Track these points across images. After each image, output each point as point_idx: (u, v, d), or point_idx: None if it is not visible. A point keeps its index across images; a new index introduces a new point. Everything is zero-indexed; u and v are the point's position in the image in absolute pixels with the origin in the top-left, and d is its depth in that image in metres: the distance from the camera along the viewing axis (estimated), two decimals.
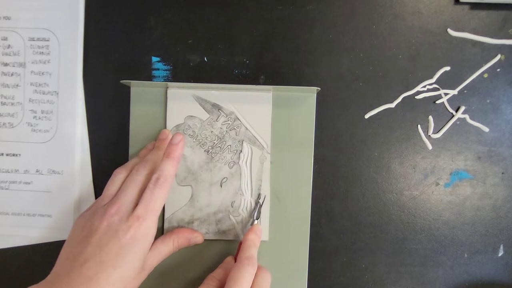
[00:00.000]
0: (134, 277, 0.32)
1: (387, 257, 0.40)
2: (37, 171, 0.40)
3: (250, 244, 0.34)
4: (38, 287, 0.30)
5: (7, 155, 0.40)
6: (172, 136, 0.35)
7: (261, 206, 0.38)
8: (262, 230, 0.37)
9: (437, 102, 0.39)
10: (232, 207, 0.39)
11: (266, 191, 0.39)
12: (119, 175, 0.35)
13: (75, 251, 0.31)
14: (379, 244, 0.40)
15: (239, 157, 0.39)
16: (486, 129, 0.39)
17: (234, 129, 0.39)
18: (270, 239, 0.39)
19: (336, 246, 0.40)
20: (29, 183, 0.40)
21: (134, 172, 0.35)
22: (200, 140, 0.39)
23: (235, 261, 0.34)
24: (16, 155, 0.40)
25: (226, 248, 0.39)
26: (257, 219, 0.38)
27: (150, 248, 0.34)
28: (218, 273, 0.34)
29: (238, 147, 0.39)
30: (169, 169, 0.34)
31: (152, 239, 0.33)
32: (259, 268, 0.33)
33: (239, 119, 0.38)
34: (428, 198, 0.40)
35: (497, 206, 0.40)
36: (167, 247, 0.36)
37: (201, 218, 0.39)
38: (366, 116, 0.39)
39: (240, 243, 0.36)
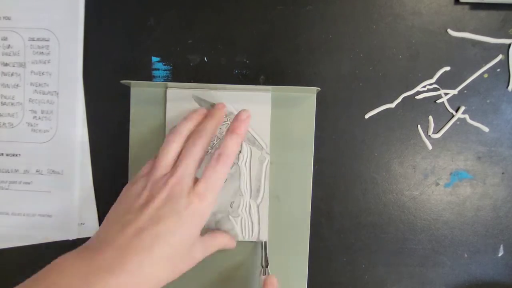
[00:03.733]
0: (182, 258, 0.31)
1: (387, 257, 0.40)
2: (37, 171, 0.40)
3: None
4: (80, 254, 0.29)
5: (7, 155, 0.40)
6: (239, 112, 0.35)
7: (266, 253, 0.37)
8: (277, 281, 0.35)
9: (437, 101, 0.39)
10: (231, 207, 0.39)
11: (265, 191, 0.38)
12: (173, 144, 0.33)
13: (128, 218, 0.30)
14: (379, 244, 0.40)
15: (238, 158, 0.39)
16: (486, 129, 0.39)
17: None
18: (270, 239, 0.39)
19: (336, 246, 0.40)
20: (29, 183, 0.40)
21: (191, 144, 0.33)
22: None
23: None
24: (16, 155, 0.40)
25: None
26: (266, 267, 0.37)
27: (201, 239, 0.33)
28: None
29: None
30: (233, 146, 0.33)
31: (207, 219, 0.32)
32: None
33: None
34: (428, 198, 0.40)
35: (497, 206, 0.40)
36: (215, 244, 0.35)
37: None
38: (366, 116, 0.39)
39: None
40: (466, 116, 0.39)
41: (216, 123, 0.35)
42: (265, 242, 0.38)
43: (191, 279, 0.39)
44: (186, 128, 0.35)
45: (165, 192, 0.31)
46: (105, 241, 0.29)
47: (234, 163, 0.38)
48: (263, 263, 0.37)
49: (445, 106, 0.39)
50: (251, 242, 0.39)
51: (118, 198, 0.33)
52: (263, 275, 0.36)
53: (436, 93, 0.39)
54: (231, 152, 0.33)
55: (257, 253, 0.39)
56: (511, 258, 0.40)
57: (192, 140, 0.33)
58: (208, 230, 0.38)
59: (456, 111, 0.39)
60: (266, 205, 0.39)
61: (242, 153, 0.38)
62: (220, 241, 0.36)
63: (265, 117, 0.38)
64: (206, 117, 0.36)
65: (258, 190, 0.38)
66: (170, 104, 0.39)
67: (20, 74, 0.40)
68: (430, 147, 0.39)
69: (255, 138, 0.38)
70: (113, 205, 0.33)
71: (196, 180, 0.32)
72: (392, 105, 0.39)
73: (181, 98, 0.39)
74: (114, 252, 0.28)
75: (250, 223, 0.39)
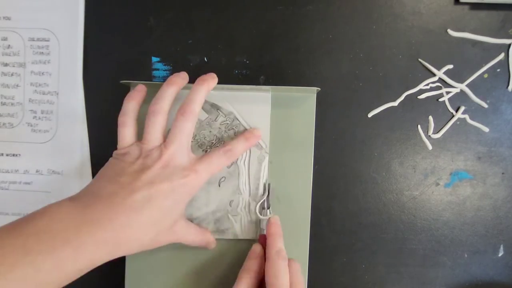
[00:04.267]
0: (166, 228, 0.32)
1: (387, 257, 0.40)
2: (37, 171, 0.40)
3: (276, 237, 0.35)
4: (73, 204, 0.30)
5: (7, 155, 0.40)
6: (256, 129, 0.38)
7: (269, 194, 0.38)
8: (279, 218, 0.37)
9: (439, 100, 0.39)
10: (231, 206, 0.39)
11: (264, 190, 0.39)
12: (159, 116, 0.33)
13: (122, 179, 0.31)
14: (379, 244, 0.40)
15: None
16: (486, 129, 0.39)
17: (233, 129, 0.38)
18: None
19: (336, 246, 0.40)
20: (29, 183, 0.40)
21: (180, 117, 0.33)
22: (199, 140, 0.39)
23: (263, 250, 0.35)
24: (16, 155, 0.40)
25: (224, 247, 0.39)
26: (268, 208, 0.38)
27: (186, 222, 0.35)
28: (251, 264, 0.34)
29: None
30: (242, 148, 0.36)
31: (194, 195, 0.34)
32: (289, 260, 0.34)
33: (237, 119, 0.38)
34: (428, 198, 0.40)
35: (497, 206, 0.40)
36: (196, 234, 0.36)
37: (199, 217, 0.39)
38: (369, 115, 0.39)
39: (261, 236, 0.37)
40: (466, 116, 0.39)
41: (207, 89, 0.34)
42: (269, 184, 0.38)
43: (189, 277, 0.39)
44: (170, 95, 0.34)
45: (160, 162, 0.32)
46: (98, 196, 0.30)
47: (232, 162, 0.39)
48: (265, 205, 0.38)
49: (446, 106, 0.39)
50: (250, 240, 0.39)
51: (109, 162, 0.34)
52: (262, 216, 0.38)
53: (439, 92, 0.39)
54: (238, 153, 0.36)
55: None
56: (511, 258, 0.40)
57: (181, 114, 0.33)
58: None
59: (456, 111, 0.39)
60: (266, 204, 0.39)
61: None
62: (202, 236, 0.36)
63: (265, 117, 0.38)
64: (196, 84, 0.35)
65: (257, 189, 0.38)
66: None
67: (20, 74, 0.40)
68: (430, 147, 0.39)
69: None
70: (104, 167, 0.33)
71: (192, 157, 0.34)
72: (395, 103, 0.39)
73: (181, 98, 0.39)
74: (106, 207, 0.29)
75: (249, 221, 0.39)
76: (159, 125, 0.33)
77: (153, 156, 0.32)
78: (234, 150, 0.35)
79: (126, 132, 0.34)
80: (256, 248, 0.36)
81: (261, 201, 0.38)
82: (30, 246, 0.27)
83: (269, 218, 0.37)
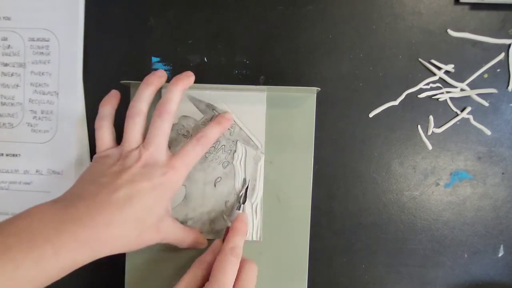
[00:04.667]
0: (150, 227, 0.32)
1: (387, 257, 0.40)
2: (37, 171, 0.40)
3: (236, 233, 0.34)
4: (54, 205, 0.30)
5: (7, 155, 0.40)
6: (225, 112, 0.38)
7: (247, 190, 0.38)
8: (248, 218, 0.37)
9: (440, 100, 0.39)
10: (226, 206, 0.39)
11: (260, 190, 0.38)
12: (137, 118, 0.34)
13: (103, 180, 0.31)
14: (379, 244, 0.40)
15: (233, 157, 0.39)
16: (488, 132, 0.39)
17: (228, 129, 0.38)
18: (271, 239, 0.39)
19: (336, 246, 0.40)
20: (29, 183, 0.40)
21: (157, 118, 0.34)
22: None
23: None
24: (16, 155, 0.40)
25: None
26: (243, 203, 0.38)
27: (173, 220, 0.35)
28: (207, 256, 0.34)
29: (232, 147, 0.39)
30: (215, 133, 0.36)
31: (176, 192, 0.34)
32: (244, 260, 0.33)
33: (233, 119, 0.38)
34: (428, 199, 0.40)
35: (497, 206, 0.40)
36: (183, 234, 0.36)
37: (194, 217, 0.39)
38: (371, 115, 0.39)
39: (227, 229, 0.36)
40: (470, 117, 0.39)
41: (182, 88, 0.35)
42: (249, 180, 0.38)
43: (183, 274, 0.39)
44: (147, 96, 0.35)
45: (140, 162, 0.32)
46: (80, 196, 0.31)
47: (228, 162, 0.39)
48: (241, 200, 0.38)
49: (446, 106, 0.39)
50: (246, 241, 0.39)
51: (90, 166, 0.34)
52: (237, 209, 0.37)
53: (439, 92, 0.39)
54: (212, 138, 0.35)
55: (251, 253, 0.39)
56: (511, 259, 0.40)
57: (159, 115, 0.34)
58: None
59: (462, 111, 0.39)
60: (266, 205, 0.39)
61: (237, 152, 0.38)
62: (189, 235, 0.36)
63: (260, 117, 0.38)
64: (171, 84, 0.35)
65: (253, 189, 0.38)
66: None
67: (20, 74, 0.40)
68: (430, 147, 0.39)
69: (250, 138, 0.38)
70: (85, 170, 0.34)
71: (169, 155, 0.34)
72: (396, 103, 0.39)
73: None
74: (88, 207, 0.30)
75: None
76: (138, 126, 0.34)
77: (132, 157, 0.33)
78: (207, 136, 0.35)
79: (104, 136, 0.35)
80: (218, 242, 0.35)
81: (240, 194, 0.38)
82: (10, 244, 0.27)
83: (238, 214, 0.37)
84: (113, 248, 0.31)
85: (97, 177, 0.32)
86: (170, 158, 0.34)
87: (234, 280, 0.32)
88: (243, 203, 0.38)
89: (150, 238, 0.33)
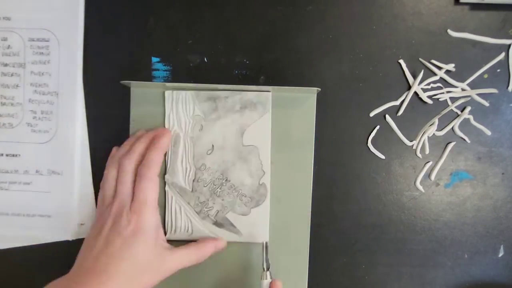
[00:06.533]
0: (143, 272, 0.33)
1: (387, 257, 0.40)
2: (37, 171, 0.40)
3: None
4: (67, 279, 0.32)
5: (7, 155, 0.40)
6: (158, 129, 0.38)
7: (267, 253, 0.36)
8: (281, 284, 0.35)
9: (440, 99, 0.39)
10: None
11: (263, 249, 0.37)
12: (110, 174, 0.36)
13: (91, 243, 0.34)
14: (379, 244, 0.40)
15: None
16: (488, 132, 0.39)
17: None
18: (270, 239, 0.39)
19: (336, 247, 0.40)
20: (28, 184, 0.40)
21: (121, 170, 0.36)
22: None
23: None
24: (16, 155, 0.40)
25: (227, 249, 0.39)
26: (268, 270, 0.36)
27: (172, 252, 0.35)
28: None
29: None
30: (153, 157, 0.36)
31: (154, 229, 0.35)
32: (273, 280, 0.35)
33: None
34: (428, 199, 0.40)
35: (497, 206, 0.40)
36: (190, 257, 0.36)
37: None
38: (371, 114, 0.39)
39: None
40: (471, 117, 0.39)
41: (143, 142, 0.37)
42: (266, 243, 0.37)
43: (190, 280, 0.39)
44: (119, 154, 0.37)
45: (110, 219, 0.34)
46: (80, 268, 0.33)
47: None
48: (264, 266, 0.36)
49: (447, 106, 0.39)
50: (251, 243, 0.39)
51: (94, 221, 0.37)
52: (264, 279, 0.35)
53: (439, 92, 0.39)
54: (151, 163, 0.36)
55: (257, 254, 0.39)
56: (511, 259, 0.40)
57: (121, 167, 0.36)
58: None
59: (462, 111, 0.39)
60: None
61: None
62: (198, 251, 0.36)
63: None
64: (149, 149, 0.37)
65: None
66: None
67: (20, 75, 0.40)
68: (430, 147, 0.39)
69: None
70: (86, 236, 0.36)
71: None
72: (397, 103, 0.39)
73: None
74: (81, 279, 0.32)
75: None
76: (111, 180, 0.36)
77: (105, 214, 0.35)
78: (145, 163, 0.36)
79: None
80: None
81: (264, 259, 0.36)
82: None
83: (272, 282, 0.35)
84: None
85: (88, 242, 0.34)
86: (131, 204, 0.35)
87: None
88: (268, 269, 0.36)
89: (152, 281, 0.34)
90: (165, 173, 0.39)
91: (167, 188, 0.39)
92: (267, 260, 0.36)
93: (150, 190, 0.35)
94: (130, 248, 0.33)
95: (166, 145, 0.37)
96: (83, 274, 0.32)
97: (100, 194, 0.37)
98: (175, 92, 0.38)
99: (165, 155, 0.38)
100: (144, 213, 0.34)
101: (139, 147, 0.37)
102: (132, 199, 0.35)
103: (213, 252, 0.37)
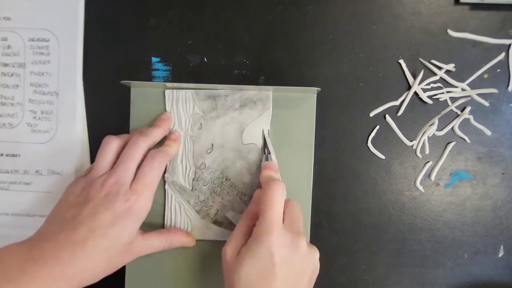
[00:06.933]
0: (120, 252, 0.32)
1: (387, 257, 0.40)
2: (37, 171, 0.40)
3: (269, 177, 0.35)
4: (20, 246, 0.31)
5: (7, 155, 0.40)
6: (176, 132, 0.38)
7: (265, 141, 0.38)
8: (277, 165, 0.37)
9: (440, 99, 0.39)
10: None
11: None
12: (111, 144, 0.35)
13: (67, 215, 0.32)
14: (379, 244, 0.40)
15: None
16: (488, 132, 0.39)
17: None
18: None
19: (336, 247, 0.40)
20: (29, 184, 0.40)
21: (132, 145, 0.34)
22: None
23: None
24: (16, 155, 0.40)
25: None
26: (269, 154, 0.37)
27: (143, 237, 0.34)
28: (252, 207, 0.34)
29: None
30: (172, 150, 0.36)
31: (146, 215, 0.34)
32: (287, 199, 0.33)
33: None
34: (428, 199, 0.40)
35: (498, 206, 0.40)
36: (160, 243, 0.36)
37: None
38: (371, 114, 0.39)
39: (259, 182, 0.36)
40: (471, 117, 0.39)
41: (160, 130, 0.37)
42: (268, 130, 0.38)
43: (190, 280, 0.39)
44: (126, 135, 0.36)
45: (103, 191, 0.32)
46: (44, 237, 0.31)
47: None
48: (265, 151, 0.37)
49: (447, 106, 0.39)
50: None
51: (60, 198, 0.34)
52: (265, 160, 0.37)
53: (439, 92, 0.39)
54: (168, 153, 0.36)
55: None
56: (511, 259, 0.40)
57: (134, 142, 0.34)
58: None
59: (462, 111, 0.39)
60: None
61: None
62: (166, 241, 0.36)
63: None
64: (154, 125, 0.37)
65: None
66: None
67: (20, 75, 0.40)
68: (430, 147, 0.39)
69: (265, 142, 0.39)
70: (56, 204, 0.34)
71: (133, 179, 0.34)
72: (397, 103, 0.39)
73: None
74: (51, 245, 0.30)
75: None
76: (110, 153, 0.34)
77: (96, 185, 0.33)
78: (163, 149, 0.35)
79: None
80: (258, 192, 0.35)
81: (266, 146, 0.38)
82: None
83: (266, 163, 0.36)
84: (82, 280, 0.31)
85: (62, 212, 0.32)
86: (133, 182, 0.33)
87: (282, 213, 0.32)
88: (268, 153, 0.37)
89: (123, 261, 0.33)
90: (164, 172, 0.39)
91: (166, 186, 0.39)
92: (267, 145, 0.38)
93: (156, 175, 0.34)
94: (118, 227, 0.31)
95: (180, 146, 0.38)
96: (53, 240, 0.30)
97: (96, 161, 0.35)
98: (175, 91, 0.38)
99: None
100: (145, 196, 0.33)
101: (157, 136, 0.36)
102: (135, 178, 0.33)
103: (177, 245, 0.37)
